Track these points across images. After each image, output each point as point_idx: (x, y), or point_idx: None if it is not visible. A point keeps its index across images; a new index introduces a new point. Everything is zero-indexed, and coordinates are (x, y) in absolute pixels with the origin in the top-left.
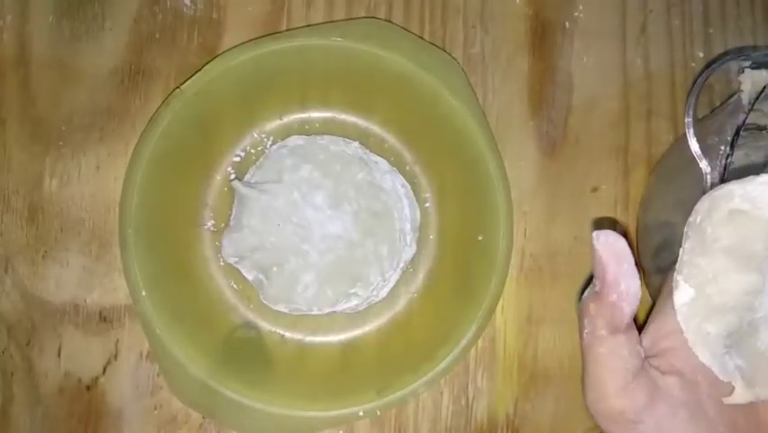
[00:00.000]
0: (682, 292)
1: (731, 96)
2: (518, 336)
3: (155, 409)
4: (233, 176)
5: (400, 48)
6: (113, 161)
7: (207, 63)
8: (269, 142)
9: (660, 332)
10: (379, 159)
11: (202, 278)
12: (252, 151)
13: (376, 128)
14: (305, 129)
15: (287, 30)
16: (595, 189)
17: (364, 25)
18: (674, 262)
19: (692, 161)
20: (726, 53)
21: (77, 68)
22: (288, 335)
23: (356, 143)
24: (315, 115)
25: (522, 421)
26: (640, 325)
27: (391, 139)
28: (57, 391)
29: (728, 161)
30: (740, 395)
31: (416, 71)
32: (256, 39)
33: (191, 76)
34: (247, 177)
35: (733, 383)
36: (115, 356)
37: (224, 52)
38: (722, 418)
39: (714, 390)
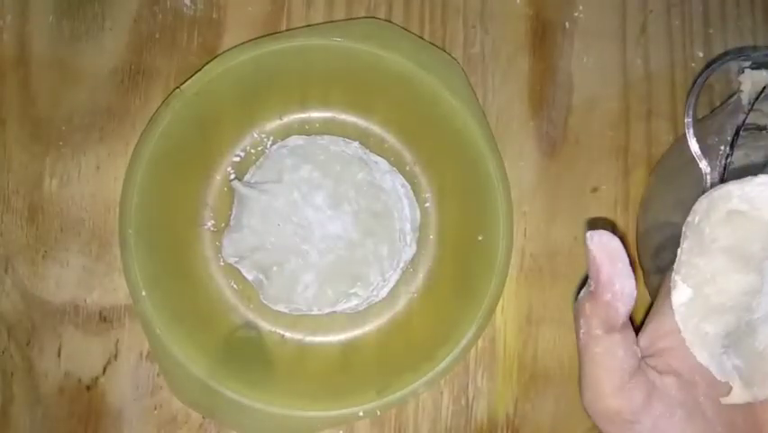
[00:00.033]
0: (680, 292)
1: (731, 96)
2: (518, 336)
3: (155, 409)
4: (232, 176)
5: (400, 48)
6: (113, 161)
7: (207, 63)
8: (269, 142)
9: (658, 332)
10: (379, 159)
11: (202, 278)
12: (252, 151)
13: (376, 128)
14: (305, 129)
15: (287, 30)
16: (595, 190)
17: (364, 25)
18: (674, 262)
19: (692, 161)
20: (726, 53)
21: (77, 68)
22: (287, 335)
23: (356, 143)
24: (315, 115)
25: (522, 421)
26: (638, 325)
27: (391, 139)
28: (57, 391)
29: (728, 161)
30: (738, 395)
31: (416, 71)
32: (256, 39)
33: (191, 76)
34: (247, 177)
35: (731, 383)
36: (115, 356)
37: (223, 52)
38: (720, 418)
39: (712, 390)
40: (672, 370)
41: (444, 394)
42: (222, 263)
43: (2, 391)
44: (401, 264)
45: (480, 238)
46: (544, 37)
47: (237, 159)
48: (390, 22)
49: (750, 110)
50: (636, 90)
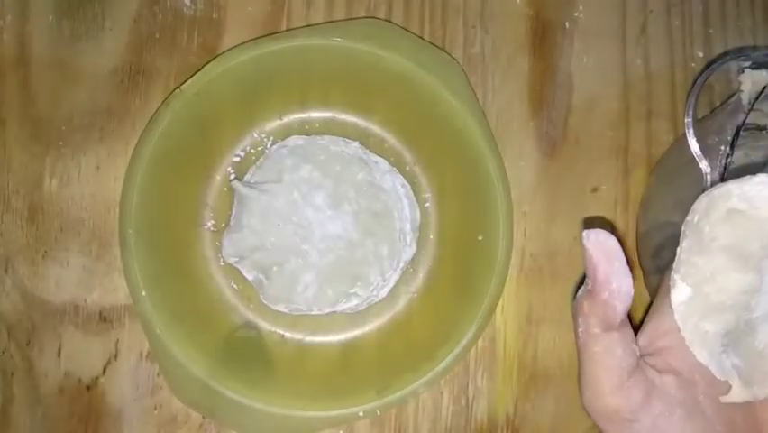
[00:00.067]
0: (680, 291)
1: (731, 96)
2: (518, 336)
3: (155, 409)
4: (232, 176)
5: (400, 48)
6: (113, 161)
7: (207, 63)
8: (269, 142)
9: (657, 331)
10: (379, 159)
11: (202, 278)
12: (252, 151)
13: (376, 128)
14: (305, 129)
15: (287, 30)
16: (595, 190)
17: (364, 25)
18: (674, 261)
19: (692, 161)
20: (726, 53)
21: (77, 68)
22: (287, 335)
23: (356, 143)
24: (315, 115)
25: (522, 421)
26: (637, 324)
27: (391, 139)
28: (57, 391)
29: (728, 160)
30: (737, 394)
31: (416, 71)
32: (256, 39)
33: (191, 76)
34: (247, 177)
35: (730, 382)
36: (115, 356)
37: (223, 52)
38: (719, 417)
39: (711, 389)
40: (672, 369)
41: (444, 394)
42: (222, 263)
43: (2, 391)
44: (401, 264)
45: (480, 238)
46: (544, 37)
47: (237, 159)
48: (390, 22)
49: (750, 110)
50: (636, 90)
